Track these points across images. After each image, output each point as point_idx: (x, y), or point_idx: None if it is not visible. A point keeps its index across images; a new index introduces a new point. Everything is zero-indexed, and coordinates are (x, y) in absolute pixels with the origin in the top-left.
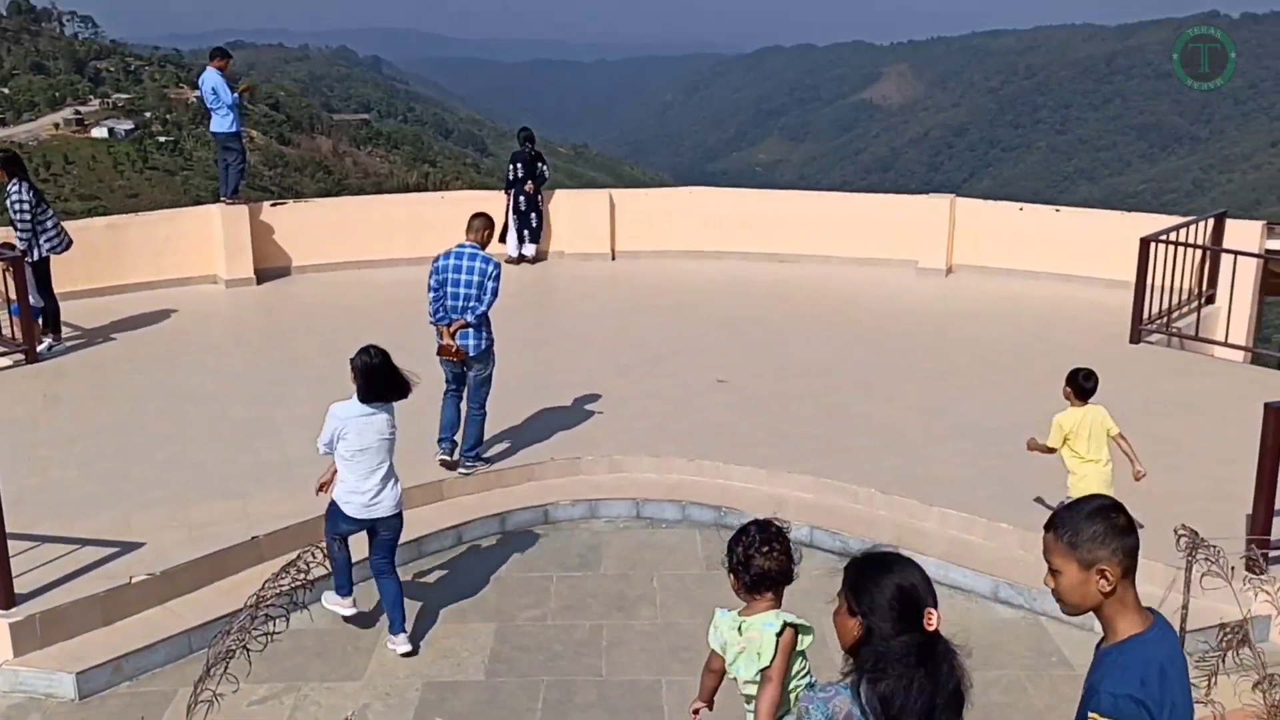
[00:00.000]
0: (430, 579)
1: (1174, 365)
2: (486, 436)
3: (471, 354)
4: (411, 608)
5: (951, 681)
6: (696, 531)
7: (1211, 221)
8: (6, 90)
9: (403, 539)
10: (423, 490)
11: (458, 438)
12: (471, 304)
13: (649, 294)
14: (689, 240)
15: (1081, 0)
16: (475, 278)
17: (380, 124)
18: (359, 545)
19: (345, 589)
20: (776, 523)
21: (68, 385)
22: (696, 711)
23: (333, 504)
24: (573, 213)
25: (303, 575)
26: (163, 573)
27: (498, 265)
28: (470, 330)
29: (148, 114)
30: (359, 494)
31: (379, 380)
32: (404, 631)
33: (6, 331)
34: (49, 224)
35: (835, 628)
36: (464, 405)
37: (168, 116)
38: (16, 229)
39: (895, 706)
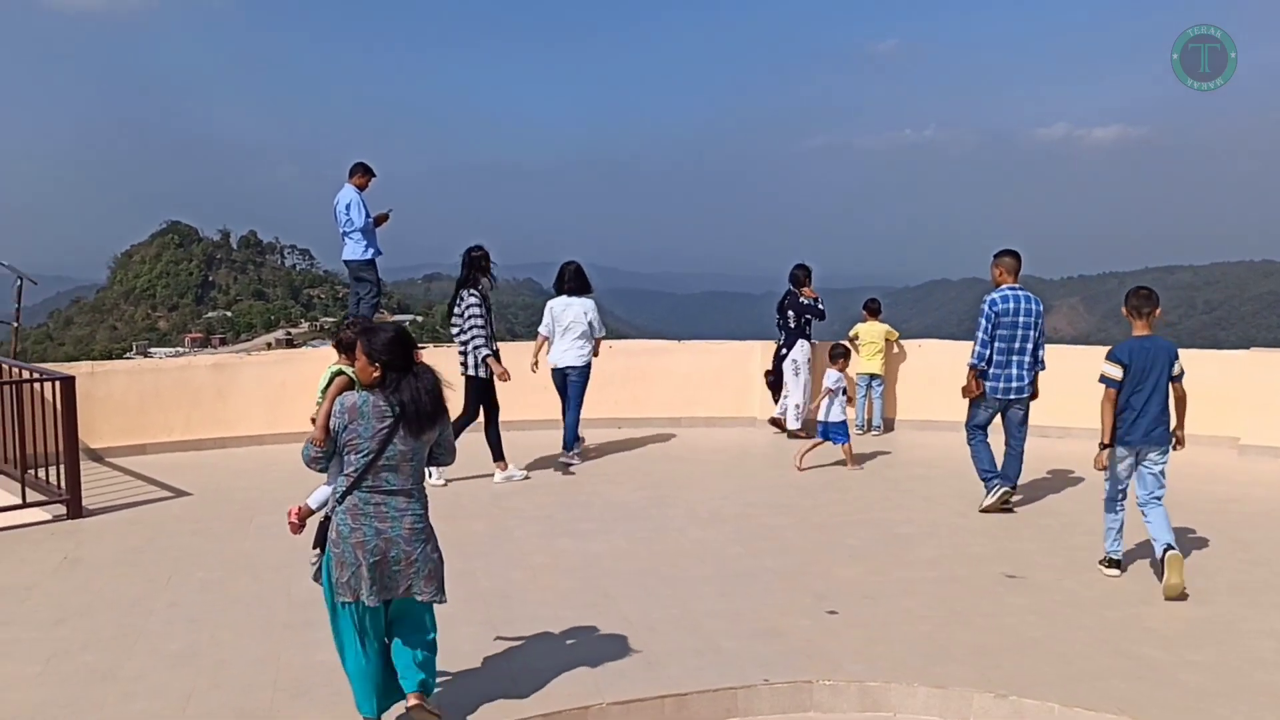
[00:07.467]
0: None
1: None
2: None
3: (1025, 394)
4: None
5: (433, 382)
6: None
7: None
8: (230, 313)
9: None
10: None
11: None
12: (1029, 345)
13: (875, 464)
14: (923, 408)
15: (1258, 239)
16: (1034, 319)
17: None
18: None
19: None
20: (366, 322)
21: (100, 546)
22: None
23: None
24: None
25: None
26: None
27: (1039, 304)
28: (1025, 372)
29: None
30: (556, 351)
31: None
32: (572, 450)
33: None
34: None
35: (361, 378)
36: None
37: None
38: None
39: (410, 402)
